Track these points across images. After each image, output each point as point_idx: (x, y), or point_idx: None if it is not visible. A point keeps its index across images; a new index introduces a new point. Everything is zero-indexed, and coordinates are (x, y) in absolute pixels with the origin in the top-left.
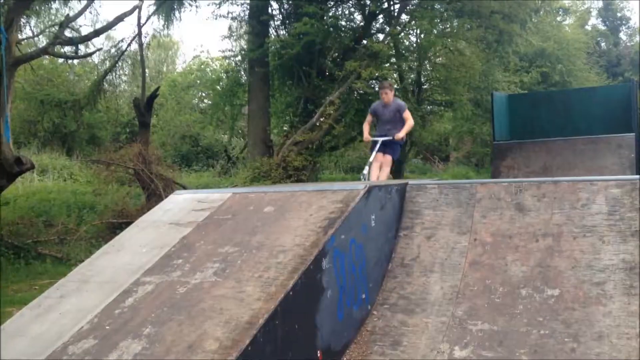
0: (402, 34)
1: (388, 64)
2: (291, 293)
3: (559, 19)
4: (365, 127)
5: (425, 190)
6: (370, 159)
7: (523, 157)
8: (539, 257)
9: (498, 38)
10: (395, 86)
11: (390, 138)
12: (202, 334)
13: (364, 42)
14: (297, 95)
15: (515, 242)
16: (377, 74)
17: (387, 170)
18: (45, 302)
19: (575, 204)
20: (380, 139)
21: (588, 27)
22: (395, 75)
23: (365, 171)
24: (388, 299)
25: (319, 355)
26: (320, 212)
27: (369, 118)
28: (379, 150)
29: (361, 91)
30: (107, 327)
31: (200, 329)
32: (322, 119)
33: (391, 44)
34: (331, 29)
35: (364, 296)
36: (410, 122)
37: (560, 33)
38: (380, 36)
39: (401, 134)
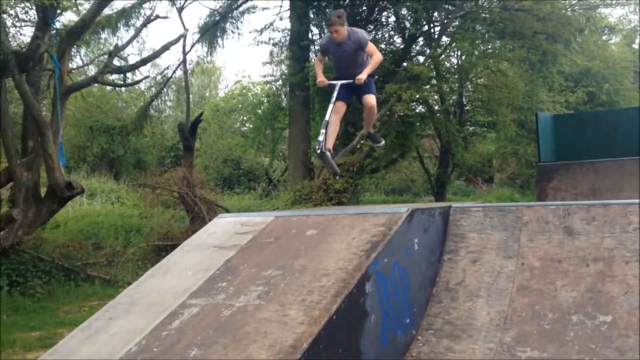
0: (443, 55)
1: (429, 86)
2: (335, 317)
3: (604, 38)
4: (318, 67)
5: (469, 213)
6: (327, 116)
7: (570, 178)
8: (590, 282)
9: (542, 58)
10: (436, 107)
11: (351, 81)
12: (247, 358)
13: (404, 64)
14: None
15: (565, 266)
16: (417, 96)
17: (371, 116)
18: (96, 323)
19: (627, 228)
20: (339, 83)
21: (635, 46)
22: (436, 96)
23: (321, 137)
24: (433, 324)
25: None
26: (363, 236)
27: (319, 57)
28: (339, 98)
29: (401, 113)
30: (155, 350)
31: (245, 352)
32: (362, 142)
33: (432, 66)
34: None
35: (408, 321)
36: (376, 58)
37: (606, 52)
38: (421, 58)
39: (363, 75)
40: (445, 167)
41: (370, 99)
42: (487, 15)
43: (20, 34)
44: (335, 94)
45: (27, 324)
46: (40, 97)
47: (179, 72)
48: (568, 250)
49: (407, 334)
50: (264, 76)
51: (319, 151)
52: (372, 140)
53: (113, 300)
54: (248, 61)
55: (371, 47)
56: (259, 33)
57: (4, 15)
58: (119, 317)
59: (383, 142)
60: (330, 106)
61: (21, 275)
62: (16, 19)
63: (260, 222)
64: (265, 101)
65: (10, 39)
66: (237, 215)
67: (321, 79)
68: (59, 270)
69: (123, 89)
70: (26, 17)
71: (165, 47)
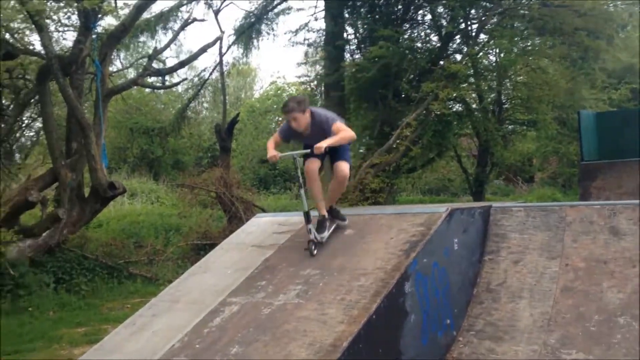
0: (481, 53)
1: (466, 84)
2: (374, 317)
3: None
4: (270, 144)
5: (510, 213)
6: (305, 205)
7: (614, 177)
8: (637, 283)
9: (583, 55)
10: (474, 106)
11: (309, 151)
12: (287, 355)
13: (441, 63)
14: (372, 118)
15: (611, 267)
16: (454, 95)
17: (340, 189)
18: (139, 320)
19: None
20: (294, 154)
21: None
22: (474, 95)
23: (311, 235)
24: (474, 325)
25: None
26: (401, 235)
27: (276, 138)
28: (311, 156)
29: (438, 112)
30: (197, 346)
31: (285, 350)
32: (398, 141)
33: (469, 64)
34: (407, 51)
35: (448, 321)
36: (344, 134)
37: None
38: (458, 56)
39: (324, 144)
40: (484, 166)
41: (344, 167)
42: (526, 12)
43: (63, 39)
44: (299, 171)
45: (73, 320)
46: (82, 100)
47: (216, 74)
48: (614, 250)
49: (448, 334)
50: (299, 77)
51: (315, 252)
52: (336, 217)
53: (155, 297)
54: (283, 62)
55: (338, 126)
56: (294, 34)
57: (48, 21)
58: (161, 315)
59: (347, 221)
60: (302, 191)
61: (67, 273)
62: (59, 24)
63: (298, 222)
64: None
65: (53, 44)
66: (274, 215)
67: (272, 153)
68: (103, 268)
69: (162, 91)
70: (68, 22)
71: (203, 50)
